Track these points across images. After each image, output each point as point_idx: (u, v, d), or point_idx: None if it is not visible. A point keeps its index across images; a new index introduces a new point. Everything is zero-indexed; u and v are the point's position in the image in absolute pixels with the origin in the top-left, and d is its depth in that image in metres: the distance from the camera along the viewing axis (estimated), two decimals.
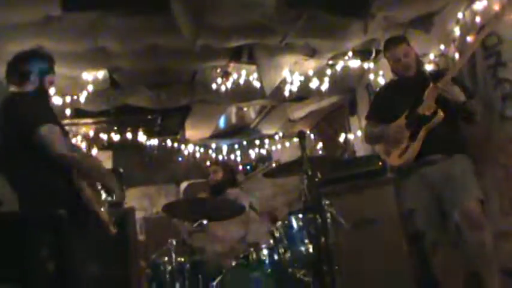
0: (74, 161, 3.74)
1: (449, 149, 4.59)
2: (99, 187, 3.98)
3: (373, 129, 5.04)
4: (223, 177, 6.50)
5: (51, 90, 4.31)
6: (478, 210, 4.36)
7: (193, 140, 9.74)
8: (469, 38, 5.37)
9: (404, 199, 4.89)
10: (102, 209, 3.86)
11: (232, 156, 10.32)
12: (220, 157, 10.12)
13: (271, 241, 4.80)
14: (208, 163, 7.01)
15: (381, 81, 7.22)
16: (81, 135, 8.66)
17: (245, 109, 9.51)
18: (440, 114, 4.50)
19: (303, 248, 4.60)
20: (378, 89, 5.57)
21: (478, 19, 5.29)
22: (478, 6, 5.32)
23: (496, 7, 5.07)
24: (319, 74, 7.28)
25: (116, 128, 8.74)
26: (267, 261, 4.78)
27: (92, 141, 8.76)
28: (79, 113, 7.27)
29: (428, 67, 6.06)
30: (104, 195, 4.00)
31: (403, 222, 5.31)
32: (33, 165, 3.72)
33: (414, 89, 4.69)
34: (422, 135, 4.55)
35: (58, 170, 3.68)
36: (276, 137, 10.08)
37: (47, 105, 3.95)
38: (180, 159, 10.02)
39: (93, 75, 6.58)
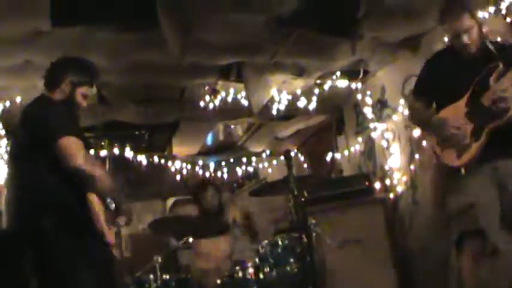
0: (91, 178, 3.59)
1: None
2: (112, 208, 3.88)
3: (425, 112, 4.26)
4: (219, 205, 6.47)
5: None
6: None
7: (181, 157, 9.72)
8: None
9: (463, 192, 3.95)
10: (110, 230, 3.75)
11: (219, 174, 10.30)
12: (207, 174, 10.09)
13: (257, 260, 4.79)
14: (202, 185, 6.88)
15: (369, 101, 7.26)
16: None
17: (232, 127, 9.50)
18: None
19: (288, 267, 4.61)
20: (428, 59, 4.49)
21: None
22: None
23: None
24: (307, 93, 7.30)
25: (103, 143, 8.72)
26: (252, 280, 4.77)
27: None
28: None
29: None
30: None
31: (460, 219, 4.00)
32: (46, 174, 3.61)
33: (475, 68, 3.95)
34: (486, 135, 3.82)
35: (71, 183, 3.56)
36: (263, 155, 10.08)
37: (72, 117, 3.83)
38: (167, 175, 9.98)
39: None
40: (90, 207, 3.58)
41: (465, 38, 3.95)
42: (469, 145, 3.90)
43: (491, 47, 3.98)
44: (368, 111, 7.33)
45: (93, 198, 3.61)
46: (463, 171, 3.95)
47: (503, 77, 3.83)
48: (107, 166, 5.27)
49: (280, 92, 7.19)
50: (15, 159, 3.84)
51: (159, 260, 4.92)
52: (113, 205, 3.77)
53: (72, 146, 3.52)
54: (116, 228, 3.95)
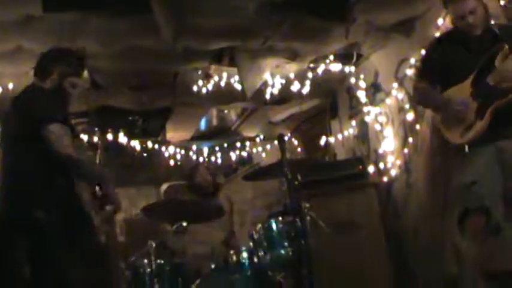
0: (80, 164, 3.72)
1: None
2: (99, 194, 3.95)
3: (429, 91, 4.29)
4: (213, 182, 6.50)
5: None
6: None
7: (174, 142, 9.72)
8: None
9: (466, 170, 4.02)
10: (97, 216, 3.83)
11: (213, 158, 10.30)
12: (201, 159, 10.09)
13: (251, 244, 4.80)
14: (195, 165, 6.95)
15: (362, 84, 7.25)
16: None
17: (226, 111, 9.50)
18: None
19: (282, 251, 4.60)
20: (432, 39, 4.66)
21: None
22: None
23: None
24: (301, 77, 7.28)
25: (96, 129, 8.70)
26: (246, 264, 4.78)
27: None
28: None
29: (409, 71, 6.10)
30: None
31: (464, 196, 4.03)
32: (35, 161, 3.69)
33: (481, 50, 3.99)
34: (490, 113, 3.86)
35: (61, 169, 3.65)
36: (257, 140, 10.08)
37: (60, 105, 3.90)
38: (161, 161, 9.97)
39: None
40: (78, 193, 3.65)
41: (470, 19, 3.98)
42: (474, 123, 3.94)
43: (496, 28, 4.03)
44: (361, 95, 7.33)
45: (81, 184, 3.68)
46: (467, 149, 4.00)
47: (509, 57, 3.85)
48: (99, 152, 5.26)
49: (273, 76, 7.17)
50: (5, 147, 3.89)
51: (153, 244, 4.92)
52: (100, 191, 3.84)
53: (58, 133, 3.59)
54: (103, 214, 4.00)
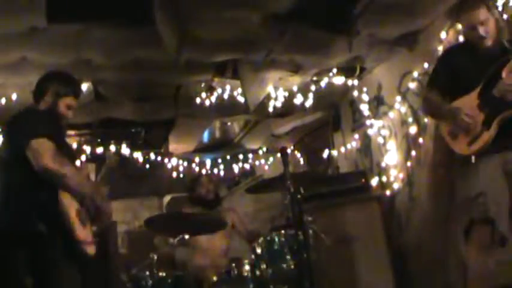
0: (59, 176, 3.68)
1: None
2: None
3: (437, 102, 4.26)
4: (215, 193, 6.49)
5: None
6: None
7: (177, 154, 9.71)
8: None
9: (472, 181, 4.00)
10: (83, 228, 3.81)
11: (215, 171, 10.29)
12: (203, 171, 10.08)
13: (253, 257, 4.79)
14: (197, 176, 6.96)
15: (365, 98, 7.25)
16: None
17: (229, 124, 9.49)
18: None
19: (284, 264, 4.59)
20: (442, 51, 4.72)
21: (461, 39, 5.32)
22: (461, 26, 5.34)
23: None
24: (304, 90, 7.29)
25: (99, 140, 8.70)
26: (248, 277, 4.76)
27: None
28: None
29: (412, 85, 6.10)
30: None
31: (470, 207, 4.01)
32: (22, 177, 3.72)
33: (490, 61, 3.98)
34: (497, 124, 3.87)
35: (44, 183, 3.66)
36: (260, 152, 10.07)
37: (50, 122, 3.93)
38: (163, 172, 9.96)
39: None
40: (60, 205, 3.66)
41: (481, 30, 3.99)
42: (480, 134, 3.93)
43: (505, 42, 4.04)
44: (364, 108, 7.33)
45: (64, 196, 3.69)
46: (473, 159, 3.99)
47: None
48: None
49: (276, 89, 7.18)
50: (4, 159, 3.94)
51: (155, 257, 4.91)
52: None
53: (40, 147, 3.64)
54: (94, 226, 4.02)
